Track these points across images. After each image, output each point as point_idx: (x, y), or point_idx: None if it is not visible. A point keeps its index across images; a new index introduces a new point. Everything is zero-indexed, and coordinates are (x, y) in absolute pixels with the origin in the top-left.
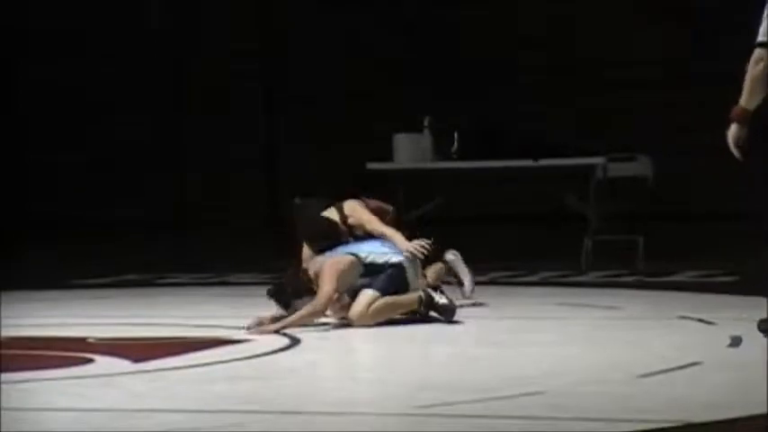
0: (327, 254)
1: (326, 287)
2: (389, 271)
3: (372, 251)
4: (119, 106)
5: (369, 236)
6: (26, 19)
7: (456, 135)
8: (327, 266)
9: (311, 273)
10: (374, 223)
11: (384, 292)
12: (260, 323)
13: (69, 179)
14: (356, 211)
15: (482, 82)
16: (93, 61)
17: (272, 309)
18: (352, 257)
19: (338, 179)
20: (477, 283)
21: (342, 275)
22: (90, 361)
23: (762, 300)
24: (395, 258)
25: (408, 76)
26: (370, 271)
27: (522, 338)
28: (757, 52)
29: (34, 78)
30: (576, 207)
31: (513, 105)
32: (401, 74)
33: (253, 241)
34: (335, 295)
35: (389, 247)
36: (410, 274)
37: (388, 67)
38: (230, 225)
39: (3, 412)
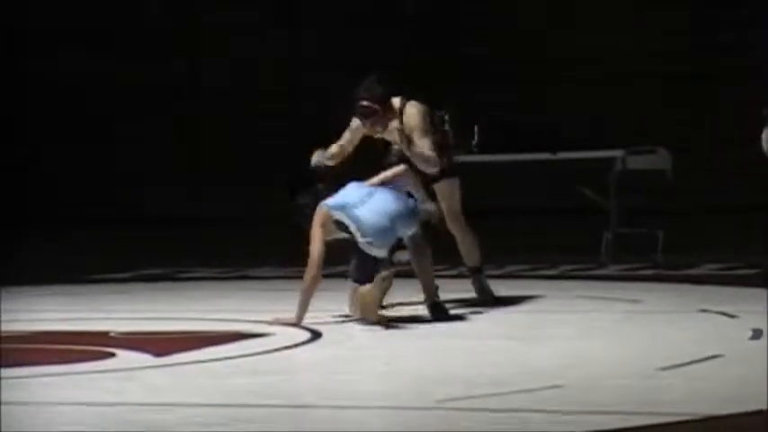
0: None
1: (313, 245)
2: (356, 255)
3: (344, 206)
4: (128, 104)
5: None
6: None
7: (476, 129)
8: (313, 223)
9: None
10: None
11: (363, 280)
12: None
13: (82, 172)
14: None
15: (501, 76)
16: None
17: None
18: (324, 210)
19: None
20: (497, 277)
21: (324, 230)
22: (112, 355)
23: None
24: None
25: (431, 70)
26: (341, 227)
27: (542, 332)
28: None
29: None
30: (596, 200)
31: (528, 98)
32: (424, 68)
33: (272, 235)
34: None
35: (361, 205)
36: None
37: (411, 61)
38: (250, 218)
39: (25, 407)
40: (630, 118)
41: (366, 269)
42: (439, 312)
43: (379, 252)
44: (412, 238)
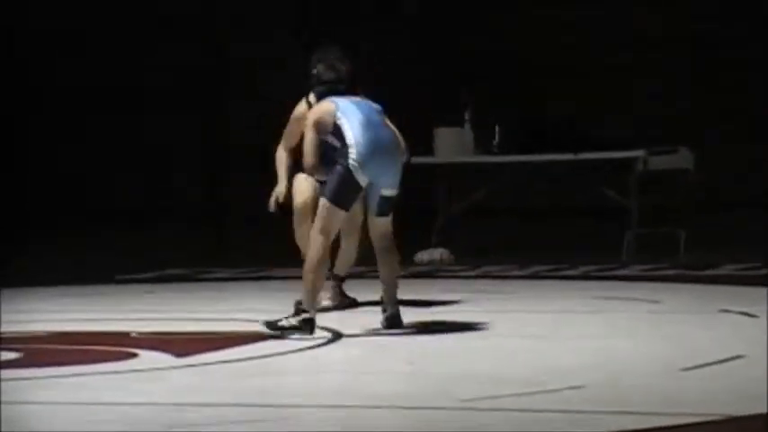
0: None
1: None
2: (339, 170)
3: (349, 123)
4: (148, 101)
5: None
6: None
7: (497, 129)
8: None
9: None
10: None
11: (332, 199)
12: None
13: (99, 171)
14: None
15: (520, 74)
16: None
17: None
18: (332, 107)
19: None
20: (519, 277)
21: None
22: (134, 355)
23: None
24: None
25: (450, 70)
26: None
27: (564, 332)
28: None
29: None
30: (617, 200)
31: (548, 99)
32: (442, 68)
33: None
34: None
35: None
36: (358, 175)
37: (429, 60)
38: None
39: (47, 407)
40: (649, 114)
41: (346, 190)
42: (393, 324)
43: (362, 178)
44: (385, 248)
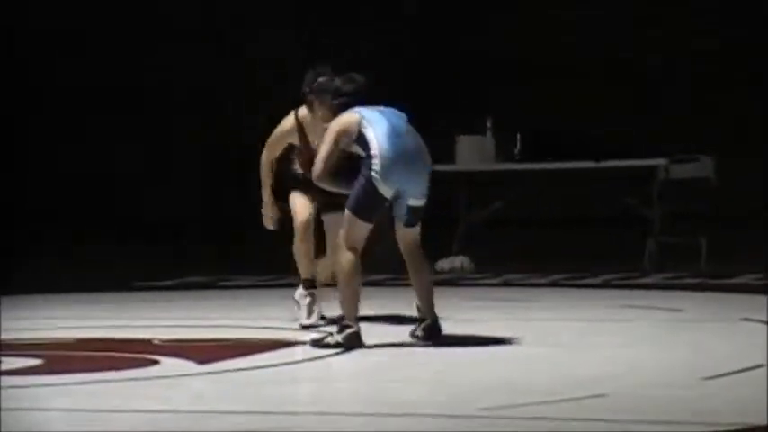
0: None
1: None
2: (362, 181)
3: (374, 132)
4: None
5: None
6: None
7: (518, 137)
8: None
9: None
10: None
11: (354, 210)
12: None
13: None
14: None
15: (543, 82)
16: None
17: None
18: (357, 117)
19: None
20: (541, 286)
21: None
22: (155, 362)
23: None
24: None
25: (450, 70)
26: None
27: (586, 341)
28: None
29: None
30: (639, 209)
31: (573, 106)
32: (464, 75)
33: None
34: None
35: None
36: (381, 186)
37: (450, 68)
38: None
39: (69, 414)
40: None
41: (369, 202)
42: (432, 334)
43: (386, 189)
44: (414, 257)
